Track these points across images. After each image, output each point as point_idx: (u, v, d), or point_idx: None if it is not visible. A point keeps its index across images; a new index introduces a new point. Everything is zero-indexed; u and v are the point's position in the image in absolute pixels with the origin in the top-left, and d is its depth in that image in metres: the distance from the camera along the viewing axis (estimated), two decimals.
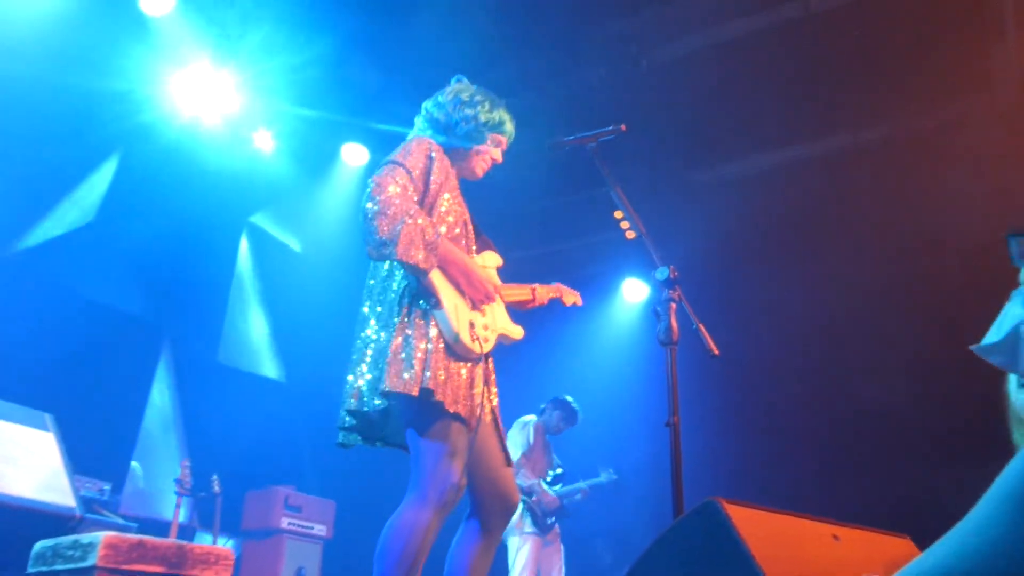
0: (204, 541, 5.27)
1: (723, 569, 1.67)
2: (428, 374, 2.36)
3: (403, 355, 2.40)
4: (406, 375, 2.37)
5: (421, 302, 2.48)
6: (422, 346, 2.41)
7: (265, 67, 5.70)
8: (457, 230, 2.65)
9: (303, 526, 5.93)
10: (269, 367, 7.41)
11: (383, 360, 2.43)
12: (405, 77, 5.85)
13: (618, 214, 2.81)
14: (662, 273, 2.60)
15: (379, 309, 2.54)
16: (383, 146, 6.61)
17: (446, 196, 2.64)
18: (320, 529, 6.06)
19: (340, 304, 7.06)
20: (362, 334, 2.54)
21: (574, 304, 3.16)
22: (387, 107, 6.18)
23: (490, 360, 2.68)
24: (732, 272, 6.41)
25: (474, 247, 2.75)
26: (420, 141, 2.66)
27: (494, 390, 2.70)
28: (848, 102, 5.58)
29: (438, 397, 2.37)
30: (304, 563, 5.82)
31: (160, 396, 6.37)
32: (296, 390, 7.27)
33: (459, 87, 2.86)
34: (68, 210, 5.78)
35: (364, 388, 2.46)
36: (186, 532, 5.56)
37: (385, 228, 2.36)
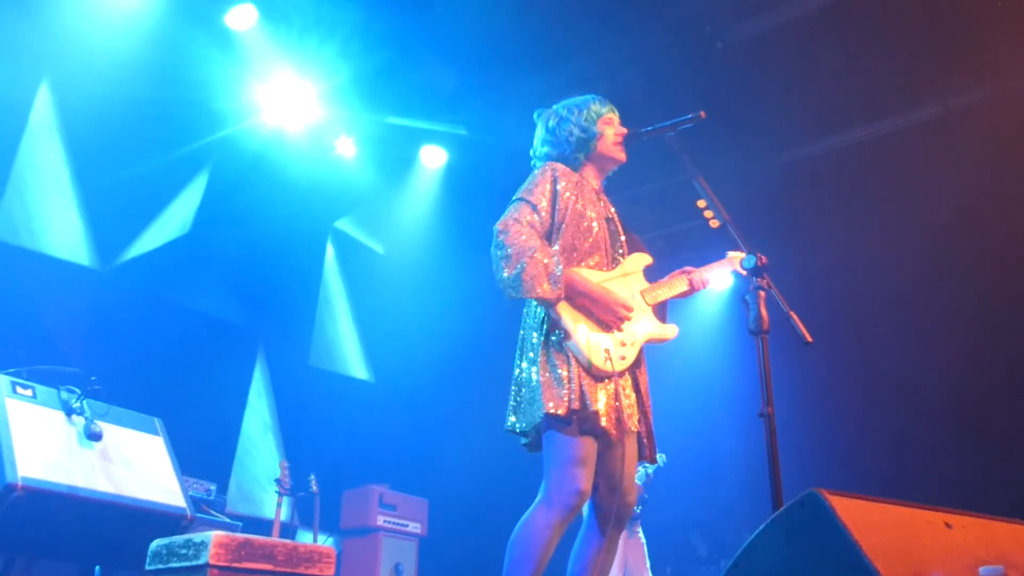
0: (305, 539, 5.43)
1: (829, 562, 1.61)
2: (573, 397, 2.51)
3: (548, 384, 2.56)
4: (551, 402, 2.52)
5: (557, 332, 2.62)
6: (563, 373, 2.56)
7: (344, 76, 5.83)
8: (591, 240, 2.76)
9: (399, 524, 6.05)
10: (358, 368, 7.58)
11: (530, 392, 2.60)
12: (478, 77, 5.88)
13: (701, 203, 2.75)
14: (749, 261, 2.54)
15: (525, 345, 2.71)
16: (460, 147, 6.69)
17: (587, 211, 2.78)
18: (415, 527, 6.17)
19: (423, 303, 7.22)
20: (515, 368, 2.73)
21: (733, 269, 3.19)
22: (462, 108, 6.24)
23: (642, 367, 2.79)
24: (820, 254, 6.21)
25: (622, 249, 2.87)
26: (543, 169, 2.82)
27: (645, 398, 2.77)
28: (933, 71, 5.33)
29: (585, 415, 2.51)
30: (401, 560, 5.93)
31: (257, 399, 6.60)
32: (384, 390, 7.42)
33: (546, 116, 3.00)
34: (166, 222, 6.05)
35: (513, 417, 2.66)
36: (288, 531, 5.74)
37: (509, 270, 2.54)
